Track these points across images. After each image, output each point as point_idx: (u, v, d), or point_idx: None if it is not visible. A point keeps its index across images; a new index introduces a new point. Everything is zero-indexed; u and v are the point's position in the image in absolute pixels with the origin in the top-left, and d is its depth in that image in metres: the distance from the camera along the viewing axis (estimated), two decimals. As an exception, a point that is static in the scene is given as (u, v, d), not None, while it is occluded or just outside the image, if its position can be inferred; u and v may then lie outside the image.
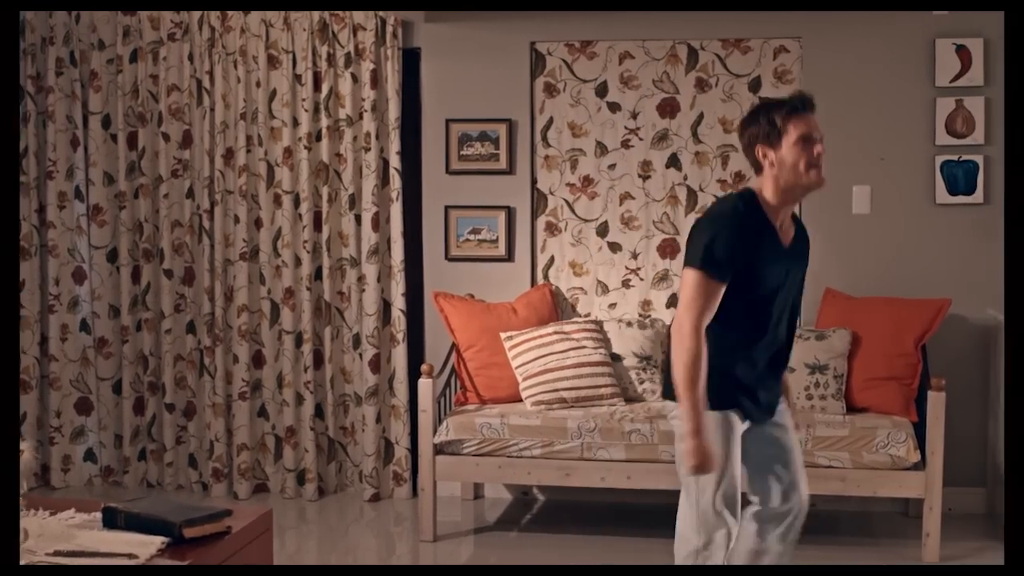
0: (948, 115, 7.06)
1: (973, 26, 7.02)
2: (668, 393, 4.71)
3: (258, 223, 7.50)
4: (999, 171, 7.05)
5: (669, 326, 7.14)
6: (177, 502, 4.72)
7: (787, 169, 4.43)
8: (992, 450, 7.02)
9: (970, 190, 7.08)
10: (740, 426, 4.59)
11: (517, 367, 6.90)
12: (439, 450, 6.64)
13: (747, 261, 4.41)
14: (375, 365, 7.41)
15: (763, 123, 4.48)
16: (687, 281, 4.45)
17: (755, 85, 7.20)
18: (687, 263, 4.46)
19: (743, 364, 4.55)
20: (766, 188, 4.51)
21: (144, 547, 3.89)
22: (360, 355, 7.48)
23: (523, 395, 6.85)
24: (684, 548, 4.64)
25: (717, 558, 4.58)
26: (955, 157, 7.08)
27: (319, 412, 7.54)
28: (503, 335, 7.00)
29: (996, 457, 6.92)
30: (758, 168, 4.53)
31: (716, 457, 4.43)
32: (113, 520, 4.12)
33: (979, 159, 7.05)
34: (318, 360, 7.52)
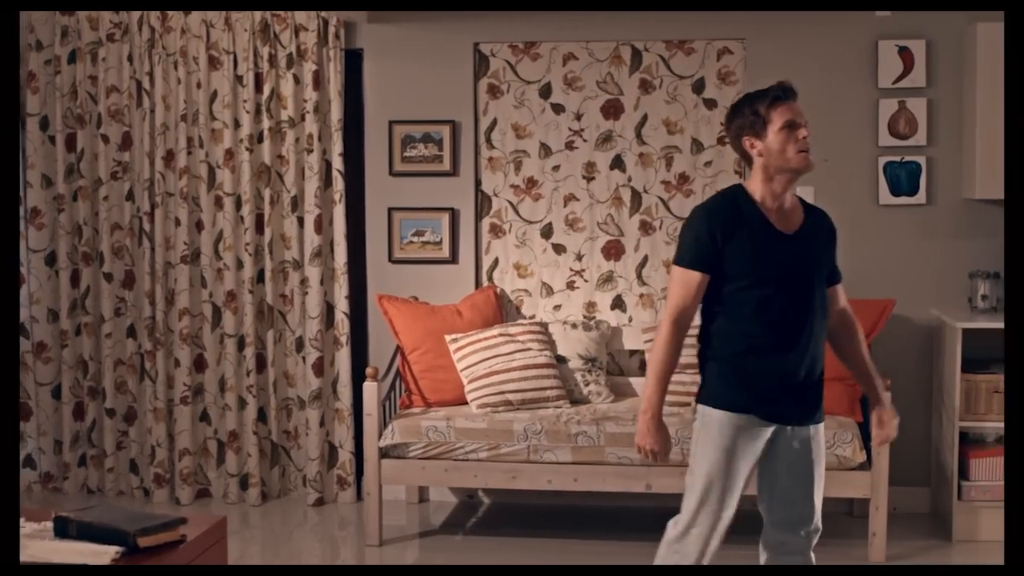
0: (891, 116, 7.08)
1: (915, 28, 7.04)
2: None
3: (199, 225, 7.42)
4: (941, 172, 7.07)
5: (615, 327, 7.25)
6: (129, 510, 4.64)
7: (775, 155, 4.47)
8: (936, 449, 7.04)
9: (913, 191, 7.10)
10: (754, 430, 4.49)
11: (462, 370, 6.86)
12: (384, 454, 6.59)
13: (734, 250, 4.42)
14: (318, 368, 7.36)
15: (748, 114, 4.54)
16: (670, 278, 4.60)
17: (699, 86, 7.19)
18: (673, 258, 4.61)
19: (759, 361, 4.47)
20: (755, 176, 4.54)
21: (98, 557, 3.83)
22: (303, 358, 7.41)
23: (468, 398, 6.81)
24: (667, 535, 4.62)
25: (690, 551, 4.54)
26: (898, 158, 7.10)
27: (262, 416, 7.47)
28: (448, 337, 6.96)
29: (940, 456, 6.94)
30: (748, 159, 4.58)
31: (664, 448, 4.53)
32: (64, 530, 4.04)
33: (922, 160, 7.07)
34: (261, 364, 7.45)
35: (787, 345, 4.48)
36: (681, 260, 4.51)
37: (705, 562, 4.55)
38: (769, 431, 4.51)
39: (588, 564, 6.28)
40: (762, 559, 4.73)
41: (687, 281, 4.48)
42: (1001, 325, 6.67)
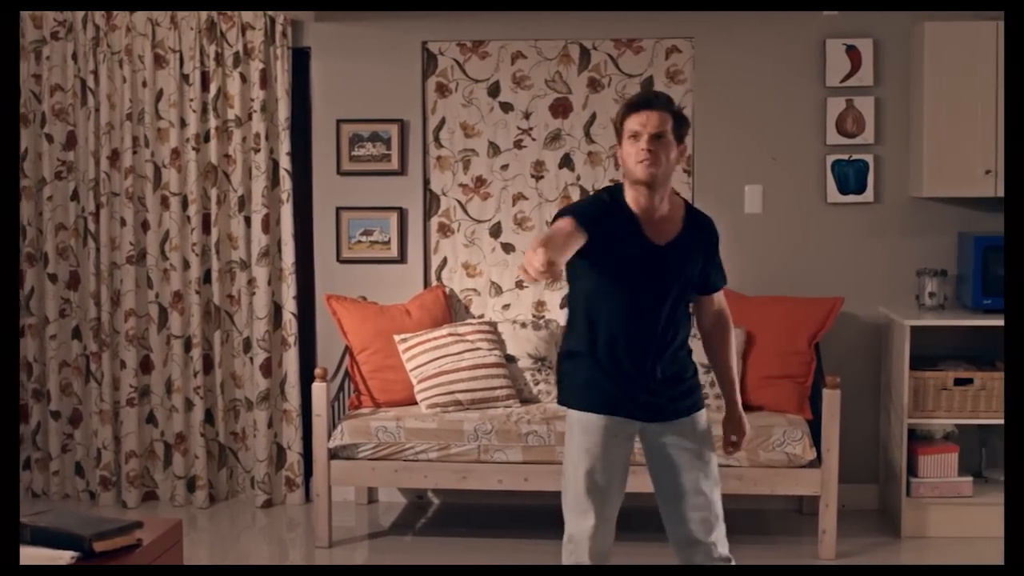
0: (839, 115, 7.10)
1: (862, 27, 7.07)
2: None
3: (145, 226, 7.35)
4: (888, 170, 7.11)
5: (564, 327, 7.22)
6: (84, 515, 4.59)
7: (623, 163, 4.47)
8: (884, 447, 7.07)
9: (860, 189, 7.12)
10: (614, 427, 4.48)
11: (411, 370, 6.82)
12: (334, 455, 6.55)
13: (600, 246, 4.34)
14: (266, 369, 7.30)
15: (616, 121, 4.54)
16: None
17: (648, 85, 7.18)
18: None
19: (613, 362, 4.45)
20: (626, 183, 4.53)
21: (53, 562, 3.78)
22: (251, 359, 7.36)
23: (418, 398, 6.78)
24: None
25: (581, 552, 4.50)
26: (846, 156, 7.12)
27: (209, 418, 7.41)
28: (397, 337, 6.92)
29: (888, 454, 6.96)
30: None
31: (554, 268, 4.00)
32: (21, 535, 3.99)
33: (869, 158, 7.10)
34: (208, 365, 7.39)
35: (640, 347, 4.46)
36: (564, 212, 4.40)
37: (602, 558, 4.52)
38: (634, 428, 4.53)
39: (539, 564, 6.24)
40: (676, 554, 4.68)
41: (562, 224, 4.28)
42: (948, 323, 6.74)
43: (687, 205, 4.65)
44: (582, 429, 4.51)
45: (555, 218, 4.43)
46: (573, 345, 4.54)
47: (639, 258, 4.43)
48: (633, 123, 4.41)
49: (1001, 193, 6.71)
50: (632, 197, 4.47)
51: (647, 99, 4.48)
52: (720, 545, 4.60)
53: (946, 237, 7.06)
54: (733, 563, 4.64)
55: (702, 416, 4.65)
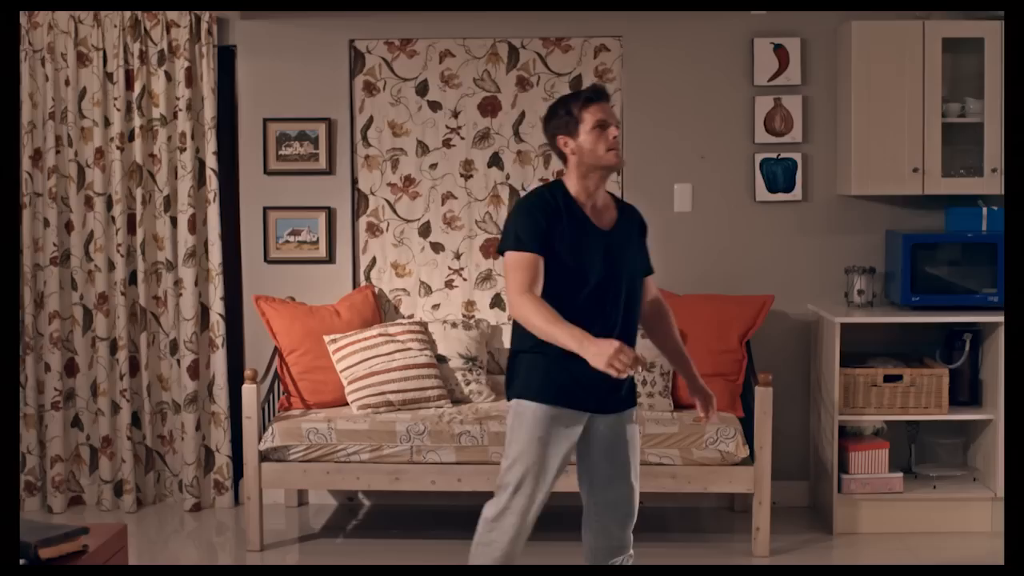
0: (767, 113, 7.13)
1: (790, 26, 7.10)
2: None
3: (69, 226, 7.23)
4: (817, 169, 7.14)
5: (495, 326, 7.21)
6: (27, 521, 4.47)
7: (587, 154, 4.61)
8: (814, 444, 7.10)
9: (789, 187, 7.16)
10: (569, 421, 4.62)
11: (342, 370, 6.76)
12: (264, 457, 6.47)
13: (559, 243, 4.54)
14: (194, 371, 7.21)
15: (562, 114, 4.68)
16: (506, 265, 4.60)
17: (576, 84, 7.16)
18: (501, 249, 4.63)
19: (573, 354, 4.41)
20: (571, 176, 4.69)
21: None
22: (178, 361, 7.26)
23: (349, 399, 6.72)
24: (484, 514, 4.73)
25: (505, 532, 4.64)
26: (774, 155, 7.15)
27: (136, 421, 7.30)
28: (327, 338, 6.86)
29: (819, 451, 7.00)
30: (563, 158, 4.71)
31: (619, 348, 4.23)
32: None
33: (797, 157, 7.13)
34: (134, 367, 7.28)
35: (605, 337, 4.45)
36: (519, 243, 4.54)
37: (519, 543, 4.66)
38: (583, 420, 4.66)
39: (465, 565, 6.21)
40: (584, 541, 4.84)
41: (525, 262, 4.52)
42: (877, 320, 6.79)
43: (612, 195, 4.87)
44: (536, 420, 4.59)
45: (513, 246, 4.53)
46: (529, 341, 4.57)
47: (592, 246, 4.60)
48: (597, 113, 4.62)
49: (928, 191, 6.79)
50: (580, 188, 4.66)
51: (604, 92, 4.73)
52: (631, 539, 4.84)
53: (874, 235, 7.11)
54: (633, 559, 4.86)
55: (636, 412, 4.85)
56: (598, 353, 4.23)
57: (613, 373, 4.19)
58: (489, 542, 4.67)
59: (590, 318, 4.51)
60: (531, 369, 4.64)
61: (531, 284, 4.50)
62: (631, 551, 4.84)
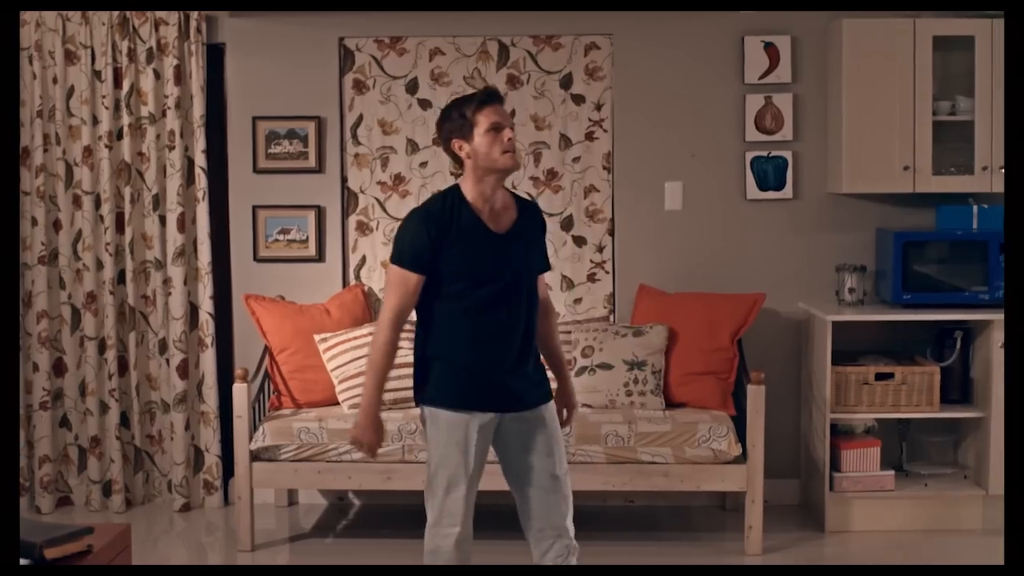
0: (757, 111, 7.12)
1: (781, 24, 7.10)
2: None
3: (57, 225, 7.19)
4: (807, 167, 7.14)
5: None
6: (31, 521, 4.45)
7: (482, 157, 4.60)
8: (805, 442, 7.10)
9: (780, 186, 7.15)
10: (482, 423, 4.67)
11: (333, 369, 6.74)
12: (255, 457, 6.45)
13: (449, 252, 4.57)
14: (183, 371, 7.18)
15: (456, 118, 4.66)
16: (387, 279, 4.74)
17: (566, 82, 7.16)
18: (391, 259, 4.68)
19: (479, 357, 4.65)
20: (466, 177, 4.68)
21: (1, 571, 3.68)
22: (167, 361, 7.22)
23: (340, 398, 6.69)
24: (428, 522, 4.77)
25: (447, 538, 4.70)
26: (765, 153, 7.14)
27: (124, 421, 7.26)
28: (317, 337, 6.83)
29: (810, 449, 6.99)
30: (458, 161, 4.70)
31: (379, 443, 4.76)
32: None
33: (788, 155, 7.13)
34: (123, 367, 7.24)
35: (501, 339, 4.67)
36: (400, 260, 4.62)
37: (465, 544, 4.73)
38: (494, 421, 4.70)
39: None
40: (533, 546, 4.84)
41: (405, 282, 4.61)
42: (869, 318, 6.78)
43: (514, 194, 4.85)
44: (450, 425, 4.65)
45: (395, 260, 4.63)
46: (435, 347, 4.69)
47: (488, 251, 4.63)
48: (492, 115, 4.61)
49: (919, 189, 6.78)
50: (477, 192, 4.65)
51: (496, 94, 4.71)
52: (571, 529, 4.82)
53: (864, 233, 7.11)
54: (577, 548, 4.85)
55: (552, 405, 4.88)
56: (354, 433, 4.74)
57: (356, 448, 4.82)
58: (435, 548, 4.74)
59: (488, 326, 4.62)
60: (440, 375, 4.68)
61: (404, 307, 4.63)
62: (574, 542, 4.82)
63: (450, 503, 4.67)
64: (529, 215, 4.83)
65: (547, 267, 4.97)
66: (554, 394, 4.95)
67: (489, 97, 4.66)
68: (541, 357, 4.88)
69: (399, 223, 4.76)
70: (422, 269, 4.59)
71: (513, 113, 7.07)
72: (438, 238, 4.57)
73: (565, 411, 5.07)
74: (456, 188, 4.71)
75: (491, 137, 4.59)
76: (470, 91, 7.05)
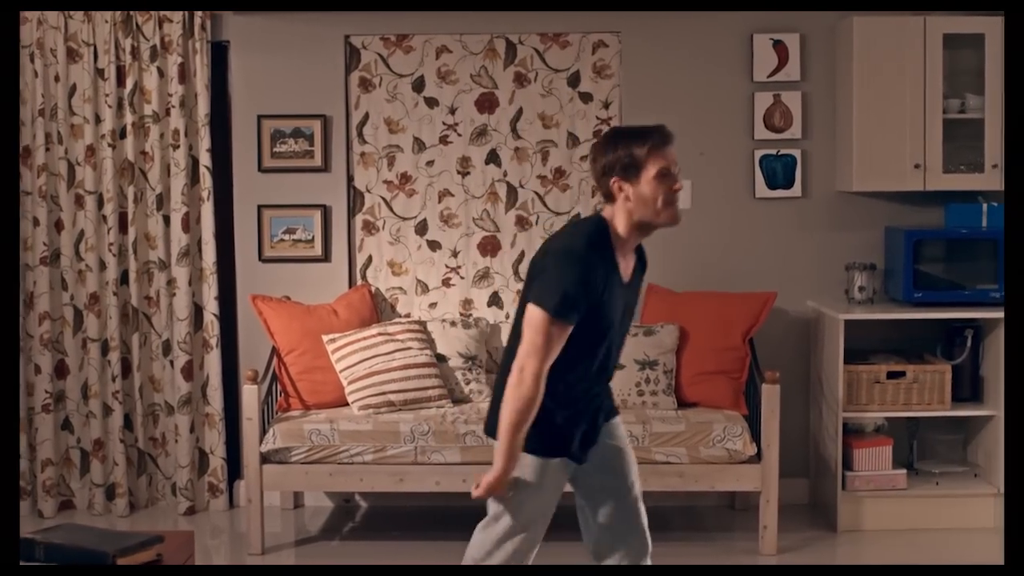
0: (766, 110, 7.10)
1: (789, 22, 7.07)
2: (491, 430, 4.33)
3: (59, 225, 7.10)
4: (816, 165, 7.12)
5: (493, 324, 7.12)
6: (97, 530, 4.35)
7: (643, 205, 4.16)
8: (815, 441, 7.08)
9: (789, 184, 7.13)
10: (562, 468, 4.33)
11: (341, 371, 6.67)
12: (265, 459, 6.38)
13: (592, 300, 4.12)
14: (188, 372, 7.10)
15: (622, 154, 4.17)
16: (535, 322, 4.09)
17: (574, 80, 7.12)
18: (537, 301, 4.10)
19: (583, 405, 4.31)
20: (618, 220, 4.21)
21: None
22: (171, 362, 7.14)
23: (349, 399, 6.62)
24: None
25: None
26: (774, 151, 7.12)
27: (128, 423, 7.17)
28: (325, 338, 6.76)
29: (819, 448, 6.97)
30: (610, 198, 4.22)
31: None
32: (31, 553, 3.80)
33: (797, 153, 7.11)
34: (126, 368, 7.15)
35: (603, 383, 4.42)
36: (558, 311, 4.07)
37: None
38: (572, 466, 4.38)
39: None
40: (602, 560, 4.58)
41: (560, 337, 4.11)
42: (878, 316, 6.77)
43: None
44: (532, 471, 4.26)
45: (554, 310, 4.05)
46: (553, 393, 4.18)
47: (617, 301, 4.25)
48: (660, 161, 4.15)
49: (930, 187, 6.77)
50: (624, 238, 4.22)
51: (668, 135, 4.24)
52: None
53: (873, 231, 7.09)
54: None
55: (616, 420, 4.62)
56: (494, 483, 4.17)
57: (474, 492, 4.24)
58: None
59: (598, 369, 4.31)
60: (548, 424, 4.23)
61: (551, 359, 4.10)
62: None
63: (512, 542, 4.30)
64: (641, 268, 4.46)
65: None
66: None
67: (665, 138, 4.20)
68: None
69: (549, 260, 4.15)
70: (576, 318, 4.11)
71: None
72: (591, 286, 4.09)
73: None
74: (604, 224, 4.22)
75: (656, 184, 4.14)
76: (479, 90, 7.10)
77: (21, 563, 3.77)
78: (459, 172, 7.18)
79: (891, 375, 6.70)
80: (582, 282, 4.09)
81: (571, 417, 4.29)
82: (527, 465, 4.26)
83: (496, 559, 4.35)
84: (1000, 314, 6.60)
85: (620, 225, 4.22)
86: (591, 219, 4.30)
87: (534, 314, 4.10)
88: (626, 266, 4.29)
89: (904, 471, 6.78)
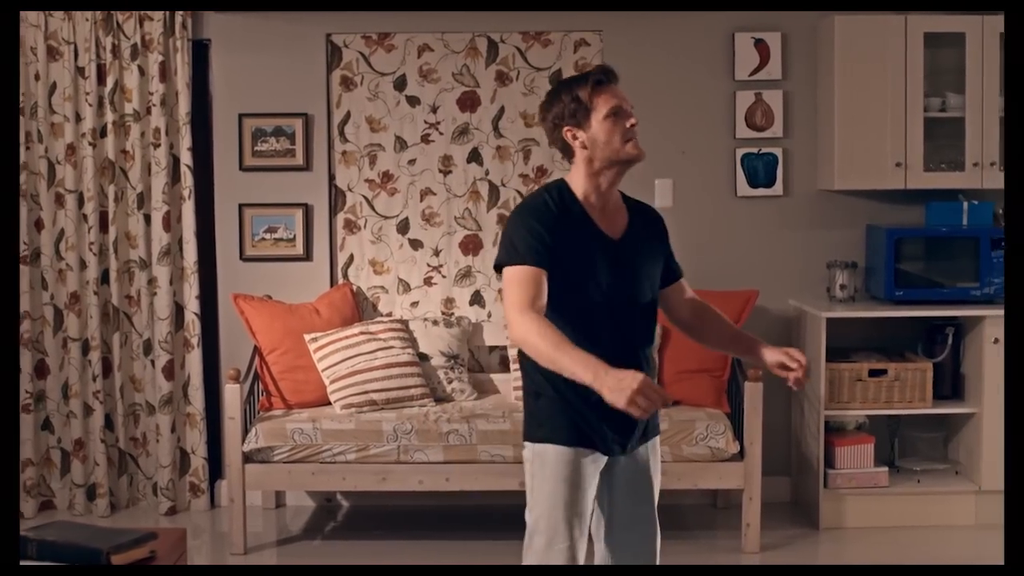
0: (748, 108, 7.11)
1: (771, 21, 7.08)
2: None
3: (39, 224, 7.06)
4: (797, 164, 7.13)
5: (475, 323, 7.11)
6: (91, 527, 4.32)
7: (601, 147, 3.97)
8: (796, 438, 7.09)
9: (770, 182, 7.14)
10: (591, 462, 4.02)
11: (324, 369, 6.66)
12: (248, 458, 6.35)
13: (561, 255, 3.89)
14: (169, 372, 7.07)
15: (567, 100, 4.01)
16: (504, 282, 3.91)
17: (556, 78, 7.09)
18: (496, 264, 3.98)
19: (585, 389, 3.72)
20: (577, 173, 4.02)
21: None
22: (152, 362, 7.10)
23: (332, 398, 6.61)
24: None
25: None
26: (755, 150, 7.13)
27: (108, 423, 7.13)
28: (307, 337, 6.75)
29: (802, 446, 6.99)
30: (568, 152, 4.05)
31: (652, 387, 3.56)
32: (24, 550, 3.81)
33: (778, 152, 7.12)
34: (107, 368, 7.11)
35: (617, 363, 3.69)
36: (514, 257, 3.89)
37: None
38: (603, 459, 4.05)
39: (456, 564, 6.14)
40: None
41: (527, 277, 3.85)
42: (860, 314, 6.79)
43: (623, 195, 4.19)
44: (560, 462, 3.99)
45: (508, 260, 3.89)
46: (552, 383, 3.95)
47: (601, 258, 3.98)
48: (611, 98, 3.99)
49: (911, 185, 6.79)
50: (590, 187, 4.00)
51: (610, 72, 4.06)
52: None
53: (854, 230, 7.11)
54: None
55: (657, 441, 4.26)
56: (618, 389, 3.52)
57: (635, 413, 3.52)
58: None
59: (598, 341, 3.84)
60: (546, 408, 4.01)
61: (532, 301, 3.82)
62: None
63: (554, 554, 4.00)
64: (644, 218, 4.17)
65: (679, 272, 4.31)
66: (769, 361, 4.10)
67: (606, 76, 4.03)
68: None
69: (503, 228, 4.11)
70: (541, 261, 3.85)
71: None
72: (550, 236, 3.88)
73: (794, 365, 4.03)
74: (562, 183, 4.04)
75: (612, 123, 3.96)
76: (460, 88, 7.10)
77: (13, 560, 3.77)
78: (441, 171, 7.17)
79: (873, 373, 6.72)
80: (529, 229, 3.90)
81: (565, 403, 3.96)
82: (534, 454, 4.06)
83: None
84: (981, 312, 6.65)
85: (583, 177, 4.02)
86: (545, 184, 4.14)
87: (503, 277, 3.92)
88: (610, 223, 4.04)
89: (886, 469, 6.80)
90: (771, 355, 4.12)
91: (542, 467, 4.03)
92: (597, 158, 4.00)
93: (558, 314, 3.87)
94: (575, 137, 4.01)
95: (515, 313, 3.81)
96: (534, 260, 3.87)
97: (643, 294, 4.09)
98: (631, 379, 3.52)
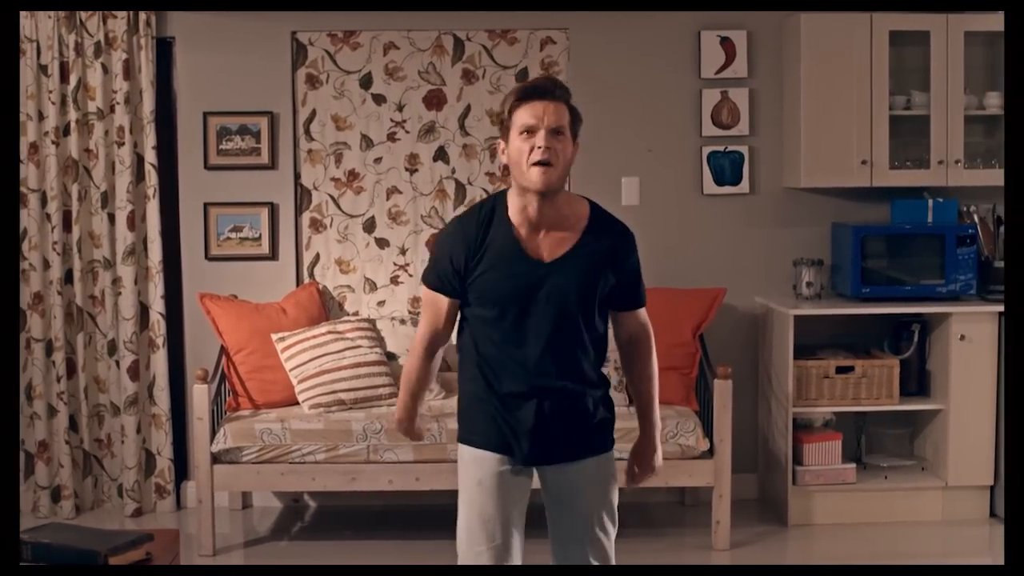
0: (714, 106, 7.12)
1: (736, 19, 7.10)
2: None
3: (1, 224, 7.00)
4: (763, 161, 7.15)
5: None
6: (85, 529, 4.28)
7: (514, 166, 3.83)
8: (764, 436, 7.11)
9: (736, 180, 7.16)
10: (509, 467, 4.00)
11: (291, 369, 6.62)
12: (216, 459, 6.31)
13: (478, 274, 3.87)
14: (134, 372, 7.01)
15: (500, 112, 3.93)
16: (421, 295, 4.16)
17: (522, 76, 7.09)
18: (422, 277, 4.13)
19: (498, 398, 3.93)
20: (512, 189, 3.91)
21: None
22: (117, 362, 7.04)
23: (300, 398, 6.57)
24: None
25: None
26: (721, 148, 7.14)
27: (73, 424, 7.07)
28: (274, 336, 6.70)
29: (770, 443, 7.01)
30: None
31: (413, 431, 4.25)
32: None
33: (744, 150, 7.14)
34: (71, 369, 7.05)
35: (524, 381, 3.92)
36: (431, 280, 4.00)
37: None
38: (527, 468, 4.04)
39: (425, 564, 6.12)
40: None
41: (431, 304, 4.01)
42: (827, 312, 6.81)
43: (593, 211, 4.02)
44: (473, 463, 4.03)
45: (423, 278, 4.06)
46: (463, 380, 4.07)
47: (517, 282, 3.88)
48: (526, 115, 3.78)
49: (876, 183, 6.83)
50: (518, 206, 3.87)
51: (543, 87, 3.83)
52: None
53: (820, 227, 7.14)
54: None
55: (606, 460, 4.19)
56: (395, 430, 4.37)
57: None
58: None
59: (507, 358, 3.92)
60: (463, 409, 4.08)
61: (431, 331, 4.02)
62: None
63: (470, 555, 4.00)
64: (603, 236, 3.96)
65: (636, 300, 4.13)
66: (633, 453, 4.33)
67: (530, 91, 3.81)
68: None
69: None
70: (444, 288, 3.94)
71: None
72: (466, 260, 3.86)
73: (636, 467, 4.30)
74: (501, 197, 3.94)
75: (520, 141, 3.78)
76: (427, 86, 7.08)
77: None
78: (407, 169, 7.14)
79: (840, 370, 6.75)
80: (450, 253, 3.90)
81: (479, 408, 3.99)
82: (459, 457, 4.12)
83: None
84: (947, 308, 6.72)
85: (514, 194, 3.89)
86: (492, 194, 4.11)
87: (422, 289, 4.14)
88: (534, 238, 3.89)
89: (853, 465, 6.83)
90: (636, 458, 4.36)
91: (461, 467, 4.09)
92: (514, 177, 3.88)
93: (478, 332, 3.96)
94: (503, 152, 3.92)
95: (416, 345, 4.10)
96: (446, 290, 3.97)
97: (560, 320, 3.92)
98: (396, 426, 4.26)
